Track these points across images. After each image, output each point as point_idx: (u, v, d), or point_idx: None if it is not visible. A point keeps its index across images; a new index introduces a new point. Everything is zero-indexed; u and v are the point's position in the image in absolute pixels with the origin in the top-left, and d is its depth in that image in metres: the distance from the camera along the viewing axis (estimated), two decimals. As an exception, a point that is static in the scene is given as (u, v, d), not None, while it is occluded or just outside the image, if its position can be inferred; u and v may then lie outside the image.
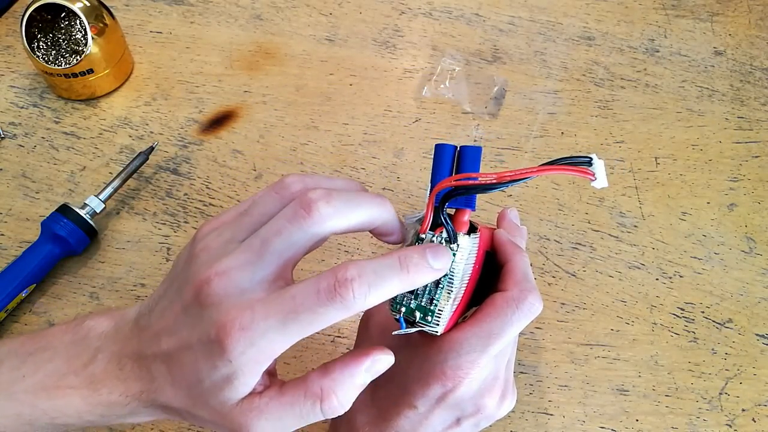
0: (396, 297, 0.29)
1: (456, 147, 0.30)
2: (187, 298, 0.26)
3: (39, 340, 0.29)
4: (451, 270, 0.28)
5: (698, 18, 0.64)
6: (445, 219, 0.28)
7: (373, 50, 0.61)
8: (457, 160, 0.30)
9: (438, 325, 0.28)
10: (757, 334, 0.46)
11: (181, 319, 0.26)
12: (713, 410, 0.42)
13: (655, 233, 0.50)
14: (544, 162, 0.27)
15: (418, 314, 0.28)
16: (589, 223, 0.50)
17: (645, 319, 0.46)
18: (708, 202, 0.52)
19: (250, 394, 0.25)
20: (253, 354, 0.24)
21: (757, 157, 0.55)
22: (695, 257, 0.49)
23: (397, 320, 0.29)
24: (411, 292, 0.29)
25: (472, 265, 0.29)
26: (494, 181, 0.26)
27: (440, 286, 0.28)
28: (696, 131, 0.56)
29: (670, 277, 0.48)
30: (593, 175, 0.27)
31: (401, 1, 0.65)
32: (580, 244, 0.49)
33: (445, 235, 0.28)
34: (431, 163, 0.52)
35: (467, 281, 0.29)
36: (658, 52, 0.62)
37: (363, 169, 0.53)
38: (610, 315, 0.46)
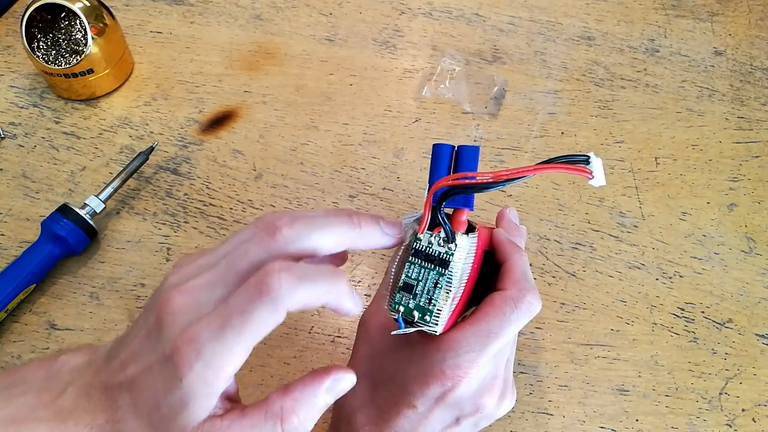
0: (395, 297, 0.29)
1: (453, 147, 0.30)
2: (150, 320, 0.26)
3: (13, 374, 0.29)
4: (450, 270, 0.28)
5: (698, 18, 0.64)
6: (442, 218, 0.28)
7: (373, 50, 0.61)
8: (455, 159, 0.30)
9: (437, 324, 0.28)
10: (757, 334, 0.46)
11: (144, 342, 0.26)
12: (713, 410, 0.42)
13: (655, 233, 0.50)
14: (542, 161, 0.27)
15: (416, 314, 0.28)
16: (589, 223, 0.50)
17: (645, 319, 0.46)
18: (708, 202, 0.52)
19: (212, 417, 0.25)
20: (201, 370, 0.24)
21: (757, 157, 0.55)
22: (695, 257, 0.49)
23: (396, 320, 0.29)
24: (409, 292, 0.29)
25: (471, 264, 0.29)
26: (491, 180, 0.26)
27: (439, 286, 0.28)
28: (696, 131, 0.56)
29: (670, 277, 0.48)
30: (591, 173, 0.27)
31: (401, 1, 0.65)
32: (580, 244, 0.49)
33: (443, 234, 0.28)
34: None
35: (466, 281, 0.29)
36: (658, 52, 0.62)
37: (363, 169, 0.53)
38: (610, 315, 0.46)
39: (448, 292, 0.28)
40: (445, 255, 0.28)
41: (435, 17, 0.64)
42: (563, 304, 0.46)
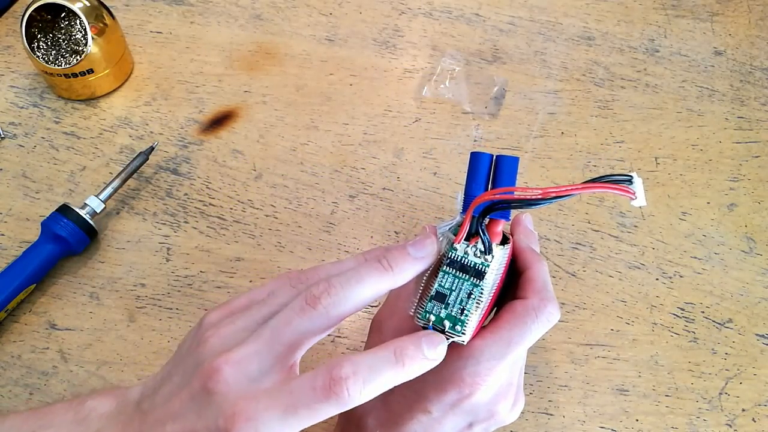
0: (426, 306, 0.29)
1: (492, 156, 0.30)
2: (195, 385, 0.26)
3: (41, 417, 0.29)
4: (484, 281, 0.28)
5: (698, 18, 0.64)
6: (482, 230, 0.28)
7: (373, 50, 0.61)
8: (493, 169, 0.30)
9: (465, 334, 0.28)
10: (757, 334, 0.46)
11: (187, 405, 0.26)
12: (713, 410, 0.42)
13: (655, 233, 0.50)
14: (587, 180, 0.27)
15: (447, 323, 0.28)
16: (589, 223, 0.50)
17: (645, 319, 0.46)
18: (708, 202, 0.52)
19: None
20: None
21: (757, 157, 0.55)
22: (695, 257, 0.49)
23: (424, 328, 0.29)
24: (442, 301, 0.29)
25: (501, 275, 0.29)
26: (539, 197, 0.26)
27: (472, 296, 0.28)
28: (696, 131, 0.56)
29: (670, 277, 0.48)
30: (634, 194, 0.27)
31: (401, 1, 0.65)
32: (580, 244, 0.49)
33: (480, 246, 0.28)
34: (434, 164, 0.52)
35: (494, 291, 0.29)
36: (658, 52, 0.62)
37: (363, 169, 0.53)
38: (610, 315, 0.46)
39: (479, 303, 0.28)
40: (481, 266, 0.28)
41: (435, 17, 0.64)
42: (563, 304, 0.46)
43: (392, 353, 0.26)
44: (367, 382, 0.25)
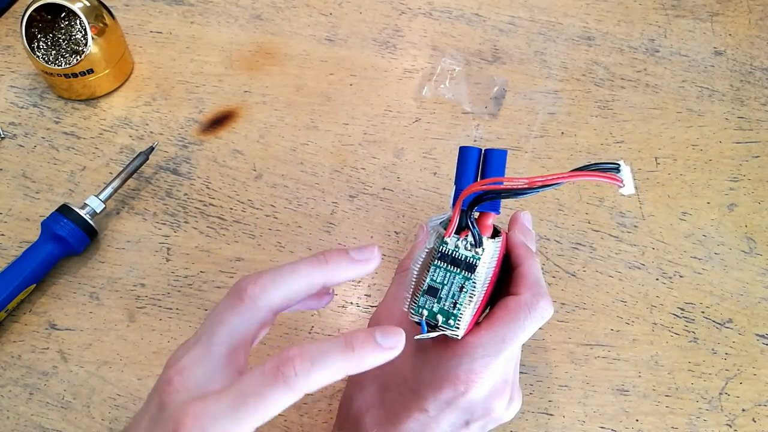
0: (419, 301, 0.29)
1: (481, 150, 0.30)
2: (153, 407, 0.26)
3: None
4: (476, 274, 0.28)
5: (698, 18, 0.64)
6: (472, 223, 0.28)
7: (373, 50, 0.61)
8: (482, 162, 0.30)
9: (459, 328, 0.28)
10: (757, 334, 0.46)
11: (147, 426, 0.26)
12: (713, 410, 0.42)
13: (655, 233, 0.50)
14: (574, 168, 0.27)
15: (440, 318, 0.28)
16: (589, 223, 0.50)
17: (645, 319, 0.46)
18: (708, 202, 0.52)
19: None
20: None
21: (757, 157, 0.55)
22: (695, 257, 0.49)
23: (419, 324, 0.29)
24: (434, 296, 0.29)
25: (493, 268, 0.29)
26: (525, 186, 0.26)
27: (464, 290, 0.28)
28: (696, 131, 0.56)
29: (670, 277, 0.48)
30: (621, 181, 0.27)
31: (401, 1, 0.65)
32: (580, 244, 0.49)
33: (470, 239, 0.28)
34: (434, 164, 0.52)
35: (488, 285, 0.29)
36: (658, 52, 0.62)
37: (363, 169, 0.53)
38: (610, 315, 0.46)
39: (471, 297, 0.28)
40: (471, 259, 0.28)
41: (435, 17, 0.64)
42: (563, 304, 0.46)
43: (342, 339, 0.25)
44: (316, 362, 0.24)
